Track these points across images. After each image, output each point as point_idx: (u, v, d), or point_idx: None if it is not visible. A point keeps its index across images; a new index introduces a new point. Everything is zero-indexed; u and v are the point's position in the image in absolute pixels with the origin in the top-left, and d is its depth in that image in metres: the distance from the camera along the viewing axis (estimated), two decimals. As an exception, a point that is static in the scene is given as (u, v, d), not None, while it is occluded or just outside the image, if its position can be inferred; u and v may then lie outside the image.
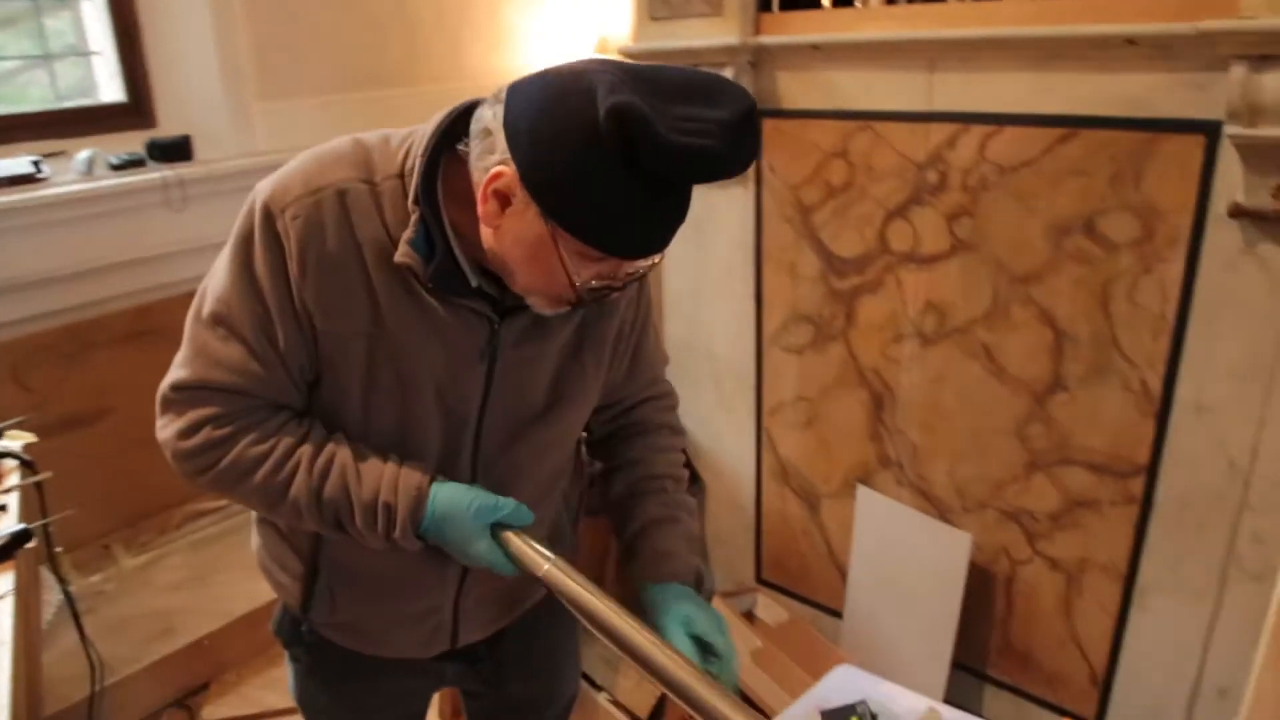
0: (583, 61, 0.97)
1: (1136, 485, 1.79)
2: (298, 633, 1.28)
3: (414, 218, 1.02)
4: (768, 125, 2.09)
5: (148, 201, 2.64)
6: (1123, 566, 1.84)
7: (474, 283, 1.07)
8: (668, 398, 1.38)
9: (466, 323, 1.09)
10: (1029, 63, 1.72)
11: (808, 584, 2.43)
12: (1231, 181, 1.55)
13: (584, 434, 1.34)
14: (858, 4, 1.90)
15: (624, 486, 1.31)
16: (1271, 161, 1.49)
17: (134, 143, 2.75)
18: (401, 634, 1.26)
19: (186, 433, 1.08)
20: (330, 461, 1.09)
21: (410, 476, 1.09)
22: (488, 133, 0.98)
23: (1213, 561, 1.72)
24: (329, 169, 1.03)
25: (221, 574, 2.63)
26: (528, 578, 1.09)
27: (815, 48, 1.94)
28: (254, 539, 1.27)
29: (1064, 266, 1.77)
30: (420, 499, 1.09)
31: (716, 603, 2.39)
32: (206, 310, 1.06)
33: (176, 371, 1.08)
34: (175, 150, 2.73)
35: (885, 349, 2.06)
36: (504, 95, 0.97)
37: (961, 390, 1.97)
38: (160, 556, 2.70)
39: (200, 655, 2.41)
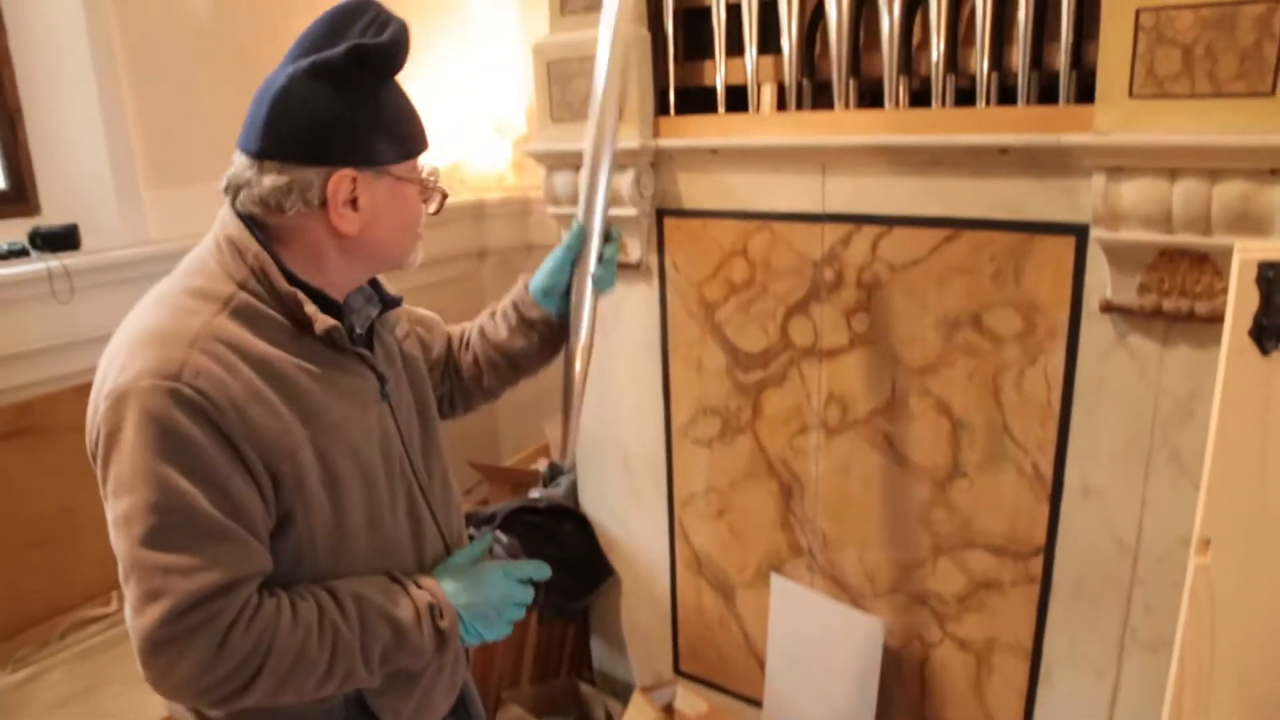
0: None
1: (1036, 565, 1.86)
2: None
3: (298, 293, 1.12)
4: (670, 224, 2.16)
5: (31, 293, 2.53)
6: (1028, 644, 1.91)
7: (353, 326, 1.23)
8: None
9: (359, 373, 1.21)
10: (913, 168, 1.82)
11: (726, 674, 2.43)
12: (1101, 279, 1.67)
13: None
14: (751, 110, 1.99)
15: (479, 354, 1.53)
16: (1134, 261, 1.61)
17: (16, 231, 2.65)
18: (440, 686, 1.33)
19: (210, 662, 1.01)
20: (359, 606, 1.13)
21: (421, 578, 1.22)
22: (285, 188, 1.10)
23: (1110, 635, 1.80)
24: (181, 326, 1.06)
25: (113, 686, 2.47)
26: None
27: (713, 151, 2.02)
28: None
29: (956, 359, 1.86)
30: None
31: (636, 696, 2.38)
32: (138, 534, 1.00)
33: (153, 609, 0.99)
34: (61, 239, 2.64)
35: (792, 440, 2.12)
36: (260, 148, 1.10)
37: (867, 479, 2.03)
38: (41, 671, 2.53)
39: (92, 784, 2.27)
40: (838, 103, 1.88)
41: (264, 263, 1.10)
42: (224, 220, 1.15)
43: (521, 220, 3.68)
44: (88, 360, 2.74)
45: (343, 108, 1.09)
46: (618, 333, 2.31)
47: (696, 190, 2.11)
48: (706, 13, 2.00)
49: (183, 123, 2.93)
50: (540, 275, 1.51)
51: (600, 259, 1.50)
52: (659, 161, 2.12)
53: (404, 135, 1.17)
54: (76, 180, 2.79)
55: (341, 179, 1.10)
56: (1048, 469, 1.81)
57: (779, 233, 2.01)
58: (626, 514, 2.47)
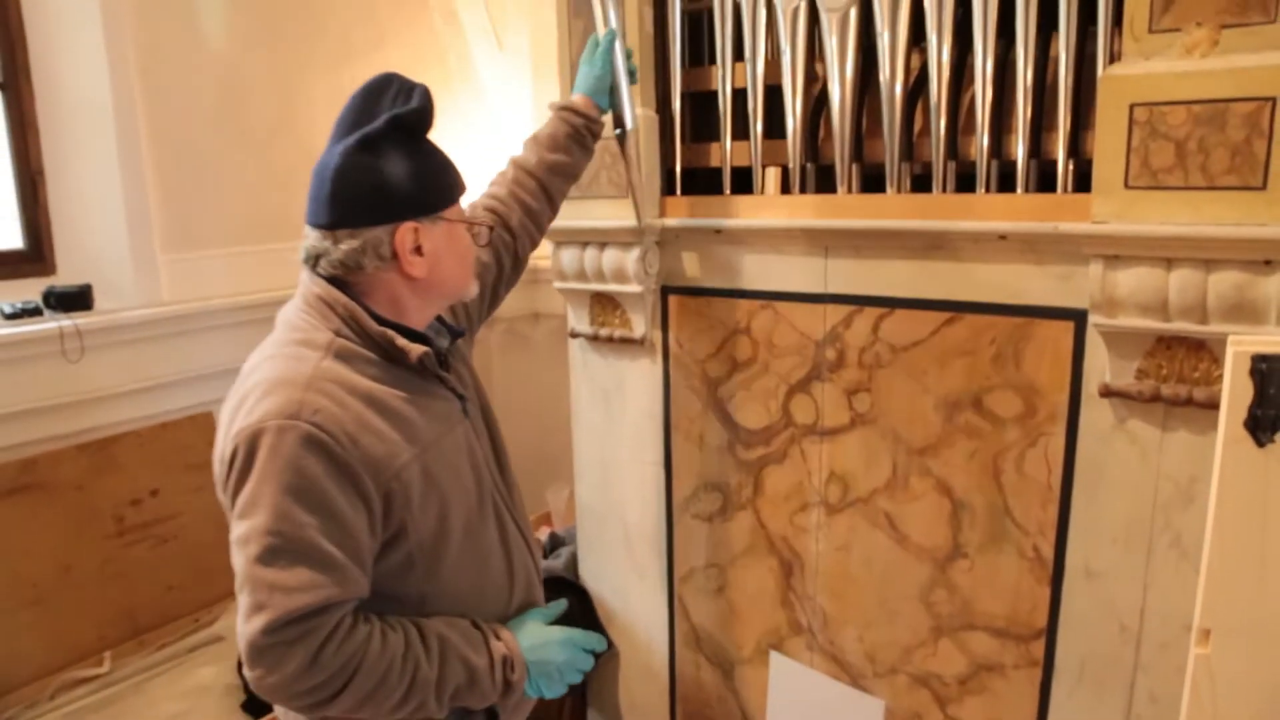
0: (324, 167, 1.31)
1: (1038, 648, 1.85)
2: None
3: (388, 332, 1.29)
4: (675, 301, 2.19)
5: (42, 351, 2.58)
6: (1030, 730, 1.89)
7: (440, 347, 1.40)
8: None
9: (443, 396, 1.39)
10: (914, 252, 1.86)
11: (725, 754, 2.40)
12: (1100, 363, 1.69)
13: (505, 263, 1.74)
14: (756, 191, 2.04)
15: (530, 195, 1.76)
16: (1132, 347, 1.64)
17: (31, 290, 2.69)
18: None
19: (303, 672, 1.16)
20: (441, 646, 1.29)
21: (500, 629, 1.39)
22: (358, 249, 1.27)
23: (1114, 722, 1.78)
24: (294, 371, 1.22)
25: (101, 748, 2.45)
26: None
27: (717, 231, 2.07)
28: None
29: (957, 440, 1.87)
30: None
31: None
32: (256, 551, 1.15)
33: (257, 619, 1.15)
34: (74, 299, 2.69)
35: (792, 517, 2.12)
36: (330, 220, 1.27)
37: (867, 558, 2.03)
38: (32, 734, 2.51)
39: None
40: (840, 186, 1.92)
41: (353, 311, 1.28)
42: (307, 283, 1.32)
43: (530, 289, 3.74)
44: (93, 419, 2.78)
45: (394, 170, 1.27)
46: (621, 406, 2.33)
47: (701, 269, 2.15)
48: (713, 96, 2.07)
49: (199, 189, 3.00)
50: (587, 81, 1.84)
51: (627, 55, 1.89)
52: (664, 240, 2.17)
53: (448, 183, 1.36)
54: (93, 241, 2.86)
55: (406, 232, 1.28)
56: (1049, 551, 1.81)
57: (782, 312, 2.04)
58: (626, 587, 2.46)
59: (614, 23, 1.89)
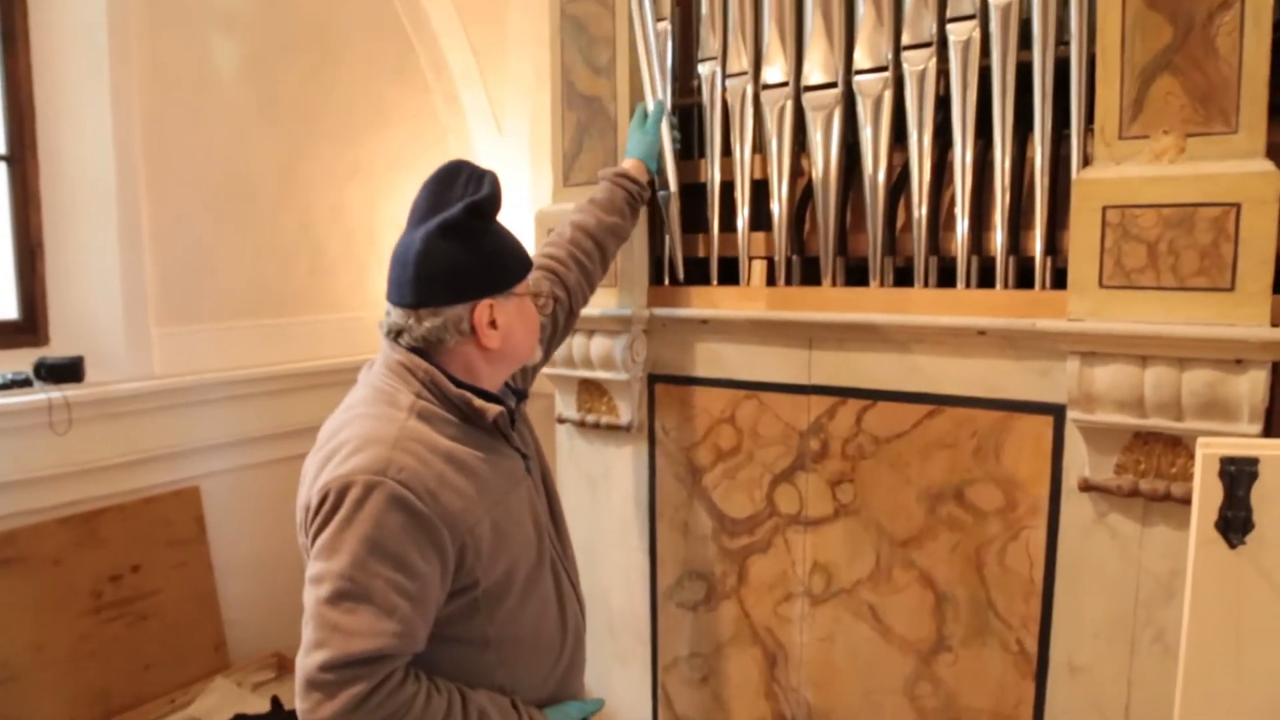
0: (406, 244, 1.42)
1: (1023, 746, 1.83)
2: None
3: (466, 394, 1.39)
4: (661, 389, 2.21)
5: (29, 423, 2.58)
6: (1016, 830, 1.85)
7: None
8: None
9: (510, 455, 1.48)
10: (896, 345, 1.89)
11: None
12: (1079, 458, 1.71)
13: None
14: (742, 282, 2.07)
15: (585, 256, 1.88)
16: (1110, 442, 1.66)
17: (23, 361, 2.70)
18: None
19: (348, 713, 1.21)
20: (480, 717, 1.36)
21: (535, 711, 1.47)
22: (441, 326, 1.39)
23: (1100, 823, 1.75)
24: (382, 431, 1.31)
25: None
26: None
27: (703, 321, 2.10)
28: None
29: (939, 532, 1.88)
30: None
31: None
32: (326, 592, 1.23)
33: (316, 654, 1.22)
34: (66, 371, 2.70)
35: (776, 608, 2.11)
36: (415, 301, 1.39)
37: (851, 649, 2.01)
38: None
39: None
40: (825, 279, 1.96)
41: (434, 375, 1.38)
42: (389, 351, 1.42)
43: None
44: (78, 491, 2.77)
45: (472, 253, 1.38)
46: (607, 492, 2.33)
47: (687, 358, 2.18)
48: (702, 188, 2.12)
49: (196, 264, 3.04)
50: (640, 146, 2.03)
51: (672, 126, 2.09)
52: (652, 329, 2.20)
53: (518, 261, 1.46)
54: (87, 313, 2.88)
55: (483, 309, 1.40)
56: (1033, 645, 1.80)
57: (766, 402, 2.06)
58: (610, 675, 2.43)
59: (661, 95, 2.06)
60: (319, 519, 1.27)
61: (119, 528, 2.80)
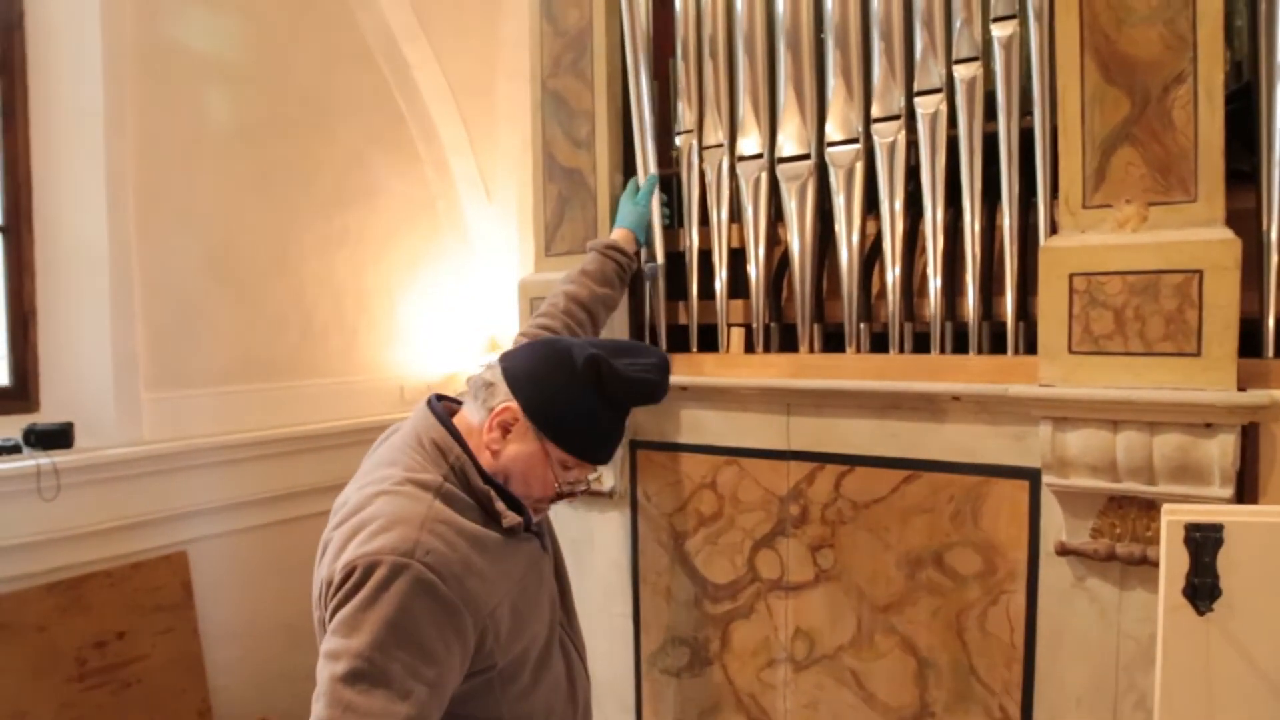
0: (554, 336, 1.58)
1: (1008, 815, 1.81)
2: None
3: (491, 491, 1.39)
4: (642, 455, 2.22)
5: (17, 489, 2.59)
6: None
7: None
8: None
9: (526, 538, 1.47)
10: (873, 411, 1.91)
11: None
12: (1056, 522, 1.71)
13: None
14: (721, 349, 2.10)
15: (566, 327, 1.88)
16: (1085, 507, 1.67)
17: (12, 427, 2.72)
18: None
19: None
20: None
21: None
22: (488, 384, 1.43)
23: None
24: (410, 510, 1.30)
25: None
26: None
27: (683, 389, 2.12)
28: None
29: (920, 597, 1.88)
30: None
31: None
32: (342, 670, 1.20)
33: None
34: (55, 438, 2.72)
35: (759, 674, 2.09)
36: (498, 360, 1.45)
37: (835, 716, 2.00)
38: None
39: None
40: (802, 345, 1.99)
41: (464, 463, 1.38)
42: (424, 425, 1.43)
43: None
44: (64, 558, 2.77)
45: (565, 390, 1.41)
46: (591, 559, 2.33)
47: (668, 424, 2.19)
48: (681, 256, 2.16)
49: (187, 330, 3.07)
50: (630, 217, 2.06)
51: (663, 201, 2.13)
52: (633, 394, 2.21)
53: (583, 440, 1.43)
54: (78, 380, 2.91)
55: (510, 411, 1.40)
56: (1015, 712, 1.79)
57: (746, 468, 2.07)
58: (595, 744, 2.40)
59: (653, 169, 2.11)
60: (341, 594, 1.25)
61: (105, 594, 2.79)
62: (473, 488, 1.38)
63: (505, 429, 1.40)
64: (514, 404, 1.40)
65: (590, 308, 1.93)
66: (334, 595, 1.26)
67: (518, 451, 1.41)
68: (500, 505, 1.39)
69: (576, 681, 1.58)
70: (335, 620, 1.24)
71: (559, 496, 1.49)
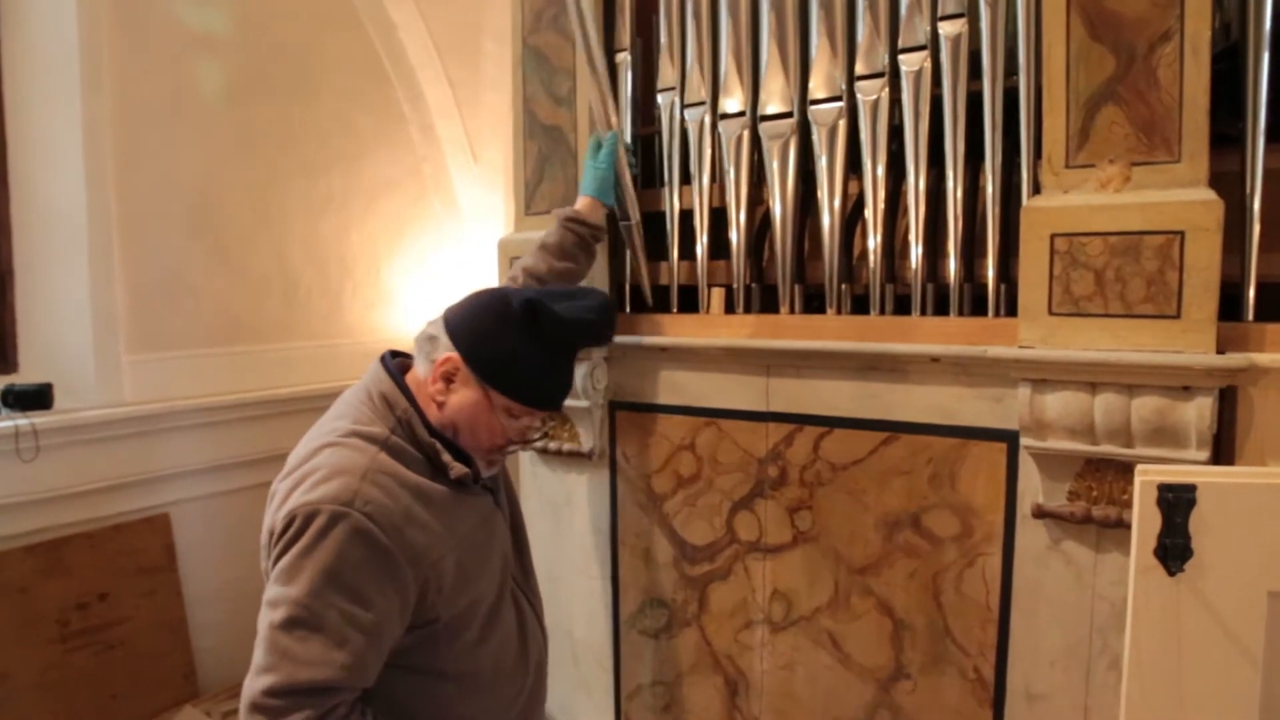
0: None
1: (981, 774, 1.82)
2: None
3: (437, 444, 1.39)
4: (622, 416, 2.21)
5: (-6, 450, 2.56)
6: None
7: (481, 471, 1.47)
8: None
9: (479, 492, 1.48)
10: (851, 373, 1.89)
11: None
12: (1033, 484, 1.71)
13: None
14: (702, 310, 2.08)
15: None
16: (1062, 469, 1.66)
17: (-10, 389, 2.69)
18: None
19: None
20: None
21: None
22: (431, 338, 1.43)
23: None
24: (353, 461, 1.30)
25: None
26: None
27: (663, 349, 2.10)
28: None
29: (897, 559, 1.87)
30: None
31: None
32: (280, 617, 1.22)
33: (263, 678, 1.21)
34: (34, 398, 2.68)
35: (737, 635, 2.10)
36: (441, 314, 1.45)
37: (811, 677, 2.01)
38: None
39: None
40: (783, 306, 1.97)
41: (410, 416, 1.39)
42: (375, 378, 1.44)
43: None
44: (45, 519, 2.75)
45: (506, 336, 1.41)
46: (570, 519, 2.33)
47: (648, 385, 2.18)
48: (662, 216, 2.13)
49: (168, 292, 3.03)
50: (593, 182, 1.97)
51: (629, 152, 2.05)
52: (613, 356, 2.20)
53: (530, 387, 1.43)
54: (57, 341, 2.87)
55: (451, 361, 1.40)
56: (990, 673, 1.80)
57: (725, 429, 2.06)
58: (573, 705, 2.41)
59: (614, 124, 2.01)
60: (282, 543, 1.27)
61: (87, 556, 2.78)
62: (419, 440, 1.39)
63: (448, 379, 1.41)
64: (455, 354, 1.40)
65: (548, 282, 1.87)
66: (276, 544, 1.27)
67: (462, 401, 1.41)
68: (446, 457, 1.40)
69: (529, 638, 1.57)
70: (276, 568, 1.26)
71: (510, 444, 1.48)
